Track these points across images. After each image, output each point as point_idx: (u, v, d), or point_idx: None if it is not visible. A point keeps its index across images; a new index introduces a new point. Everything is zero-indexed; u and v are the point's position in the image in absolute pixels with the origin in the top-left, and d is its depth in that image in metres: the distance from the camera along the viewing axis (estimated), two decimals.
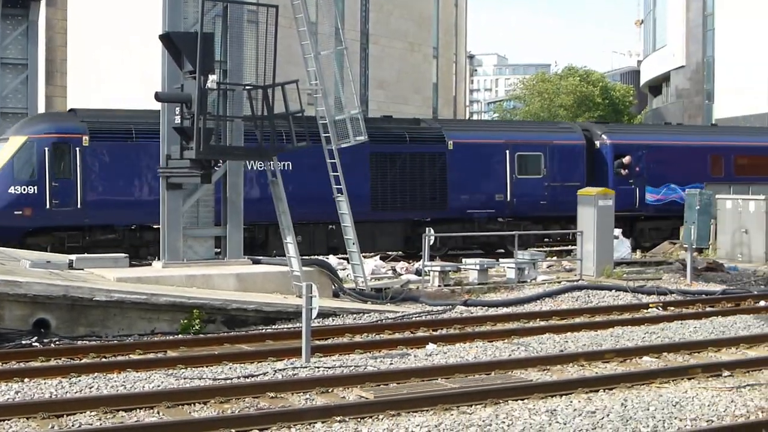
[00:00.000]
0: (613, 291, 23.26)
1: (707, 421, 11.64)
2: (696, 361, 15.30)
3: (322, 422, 11.35)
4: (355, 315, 19.72)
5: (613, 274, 25.64)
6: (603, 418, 11.59)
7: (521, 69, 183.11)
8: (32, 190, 26.91)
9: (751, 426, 11.05)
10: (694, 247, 26.27)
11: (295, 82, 20.62)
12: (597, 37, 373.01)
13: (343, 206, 22.91)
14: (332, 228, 28.16)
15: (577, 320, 19.68)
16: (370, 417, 11.65)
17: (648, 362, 15.37)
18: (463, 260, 25.97)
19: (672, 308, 21.35)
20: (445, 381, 13.64)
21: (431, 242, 25.77)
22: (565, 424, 11.31)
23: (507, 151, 33.26)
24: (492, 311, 20.71)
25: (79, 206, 27.07)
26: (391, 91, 57.26)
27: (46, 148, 26.79)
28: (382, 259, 28.37)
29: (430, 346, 16.37)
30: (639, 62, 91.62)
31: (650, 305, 21.44)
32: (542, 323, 19.23)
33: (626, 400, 12.48)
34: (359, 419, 11.54)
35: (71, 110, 30.36)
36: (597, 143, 35.86)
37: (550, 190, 33.47)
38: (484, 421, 11.35)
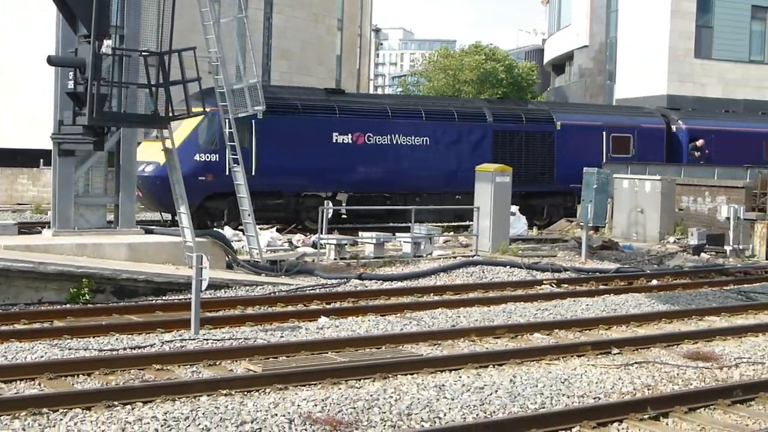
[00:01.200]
0: (508, 267, 23.31)
1: (594, 398, 11.70)
2: (586, 339, 15.39)
3: (208, 395, 11.16)
4: (248, 287, 19.49)
5: (508, 250, 25.72)
6: (491, 394, 11.58)
7: (427, 44, 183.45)
8: (214, 158, 29.30)
9: (637, 403, 11.11)
10: (590, 225, 26.49)
11: (192, 49, 20.23)
12: (505, 15, 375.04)
13: (239, 177, 22.63)
14: (459, 198, 32.52)
15: (471, 296, 19.68)
16: (257, 390, 11.48)
17: (539, 339, 15.44)
18: (360, 233, 25.85)
19: (565, 285, 21.49)
20: (335, 355, 13.52)
21: (329, 215, 25.65)
22: (453, 399, 11.27)
23: (603, 133, 37.56)
24: (386, 285, 20.62)
25: (253, 173, 29.05)
26: (295, 61, 56.80)
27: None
28: (278, 231, 28.12)
29: (323, 320, 16.24)
30: (544, 41, 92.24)
31: (544, 282, 21.53)
32: (436, 298, 19.21)
33: (515, 377, 12.49)
34: (245, 392, 11.37)
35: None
36: (673, 127, 40.15)
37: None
38: (371, 395, 11.25)
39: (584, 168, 26.92)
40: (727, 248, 27.94)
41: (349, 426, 10.17)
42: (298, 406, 10.74)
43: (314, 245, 25.00)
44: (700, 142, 39.72)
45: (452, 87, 73.15)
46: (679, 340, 15.32)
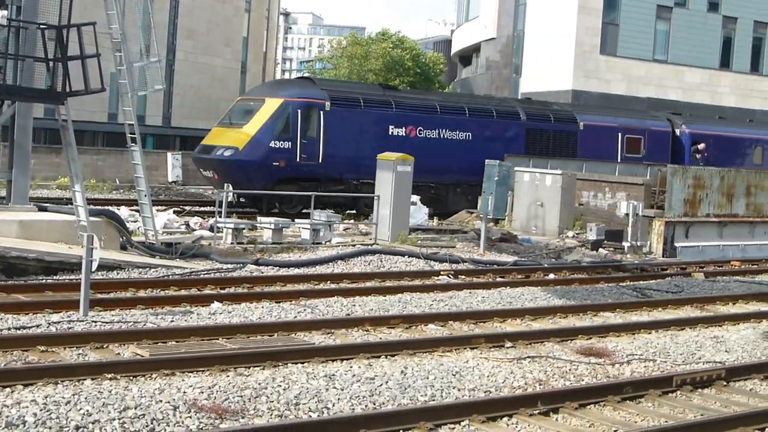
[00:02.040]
0: (406, 257, 23.18)
1: (485, 392, 11.63)
2: (480, 331, 15.34)
3: (92, 379, 10.85)
4: (141, 269, 19.10)
5: (408, 240, 25.65)
6: (381, 385, 11.44)
7: (336, 30, 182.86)
8: (287, 145, 32.29)
9: (528, 398, 11.06)
10: (490, 217, 26.53)
11: (92, 24, 19.77)
12: (416, 5, 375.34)
13: (137, 156, 22.14)
14: None
15: (368, 284, 19.52)
16: (143, 375, 11.21)
17: (433, 330, 15.35)
18: (259, 218, 25.57)
19: (463, 277, 21.45)
20: (225, 341, 13.28)
21: (229, 198, 25.36)
22: (342, 389, 11.11)
23: (619, 134, 41.49)
24: (283, 272, 20.36)
25: (320, 161, 32.68)
26: (200, 41, 56.19)
27: (299, 111, 32.45)
28: (176, 213, 27.71)
29: (215, 305, 15.96)
30: (452, 32, 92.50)
31: (441, 273, 21.48)
32: (332, 286, 19.00)
33: (407, 368, 12.37)
34: (131, 377, 11.08)
35: (306, 78, 38.28)
36: (677, 131, 43.81)
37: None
38: (260, 383, 11.04)
39: (486, 160, 26.96)
40: (625, 244, 28.24)
41: (235, 414, 9.95)
42: (184, 392, 10.48)
43: (211, 228, 24.64)
44: (701, 146, 43.24)
45: (357, 74, 72.86)
46: (573, 335, 15.35)
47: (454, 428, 10.13)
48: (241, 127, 32.60)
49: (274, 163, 31.75)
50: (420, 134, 35.73)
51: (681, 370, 13.16)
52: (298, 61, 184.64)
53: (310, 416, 10.18)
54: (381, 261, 22.61)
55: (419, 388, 11.46)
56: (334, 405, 10.57)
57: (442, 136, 36.17)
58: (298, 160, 32.34)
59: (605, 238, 28.53)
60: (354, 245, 24.52)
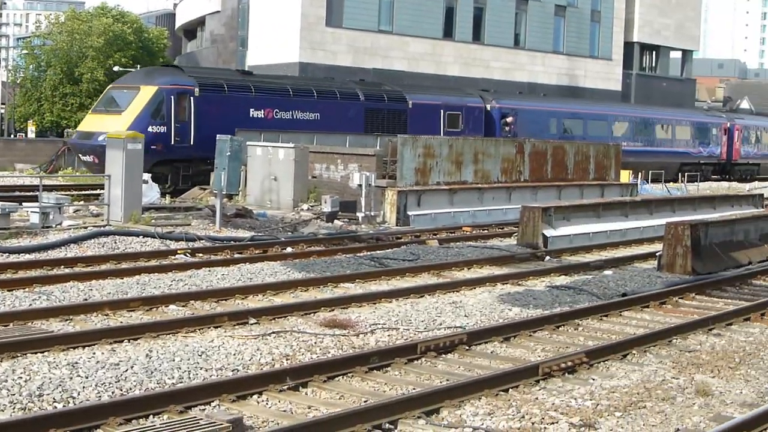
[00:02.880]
0: (141, 237, 22.63)
1: (233, 371, 11.49)
2: (223, 309, 15.14)
3: None
4: None
5: (141, 219, 25.08)
6: (127, 370, 11.11)
7: (54, 5, 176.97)
8: (163, 129, 35.14)
9: (276, 374, 10.99)
10: (224, 193, 26.28)
11: None
12: None
13: None
14: None
15: (103, 267, 18.93)
16: None
17: (175, 311, 15.05)
18: None
19: (200, 255, 21.14)
20: None
21: None
22: (87, 377, 10.71)
23: (441, 111, 45.97)
24: (13, 258, 19.51)
25: (191, 143, 35.75)
26: None
27: (173, 97, 35.61)
28: None
29: None
30: (175, 5, 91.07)
31: (178, 251, 21.09)
32: (67, 271, 18.30)
33: (151, 351, 12.07)
34: None
35: (175, 66, 41.42)
36: (488, 106, 48.84)
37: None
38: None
39: (217, 135, 26.67)
40: (360, 215, 28.56)
41: None
42: None
43: None
44: (509, 119, 48.86)
45: (78, 51, 70.56)
46: (316, 308, 15.36)
47: (204, 409, 9.95)
48: (120, 113, 35.13)
49: (152, 147, 32.86)
50: (276, 115, 39.24)
51: (424, 337, 13.38)
52: (15, 38, 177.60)
53: (56, 407, 9.77)
54: (116, 243, 21.95)
55: (166, 371, 11.20)
56: (79, 394, 10.19)
57: (294, 117, 39.87)
58: (172, 142, 35.43)
59: (340, 209, 28.78)
60: (86, 227, 23.76)
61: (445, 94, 48.25)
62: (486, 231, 28.37)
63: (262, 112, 38.69)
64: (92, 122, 36.22)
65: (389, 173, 30.54)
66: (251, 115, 38.09)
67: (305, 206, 30.45)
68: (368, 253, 22.50)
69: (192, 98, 35.92)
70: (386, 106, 43.65)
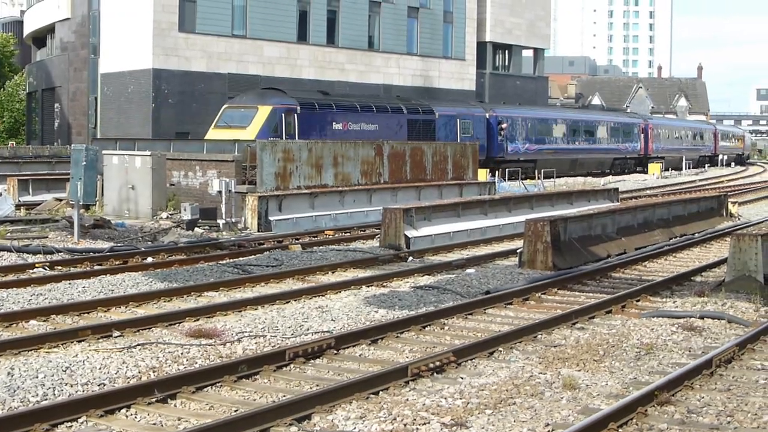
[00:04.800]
0: None
1: (99, 385, 11.27)
2: (86, 323, 14.83)
3: None
4: None
5: None
6: None
7: None
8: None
9: (144, 387, 10.85)
10: (81, 203, 25.76)
11: None
12: None
13: None
14: None
15: None
16: None
17: (35, 326, 14.68)
18: None
19: (59, 268, 20.67)
20: None
21: None
22: None
23: (458, 120, 56.64)
24: None
25: None
26: None
27: (283, 114, 44.18)
28: None
29: None
30: (23, 12, 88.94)
31: (36, 265, 20.59)
32: None
33: (13, 369, 11.75)
34: None
35: (280, 90, 47.72)
36: (487, 115, 59.78)
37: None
38: None
39: (72, 145, 26.16)
40: (221, 222, 28.32)
41: None
42: None
43: None
44: (504, 125, 59.73)
45: None
46: (181, 318, 15.17)
47: (71, 426, 9.75)
48: (244, 128, 42.63)
49: None
50: (350, 127, 48.16)
51: (292, 343, 13.33)
52: None
53: None
54: None
55: (29, 389, 10.92)
56: None
57: (361, 127, 48.70)
58: None
59: (200, 216, 28.46)
60: None
61: (459, 107, 59.62)
62: (348, 234, 28.42)
63: (341, 125, 47.90)
64: (219, 135, 42.69)
65: (249, 179, 30.37)
66: (334, 128, 47.19)
67: (164, 214, 30.07)
68: (231, 260, 22.32)
69: (296, 115, 44.79)
70: (421, 117, 53.69)
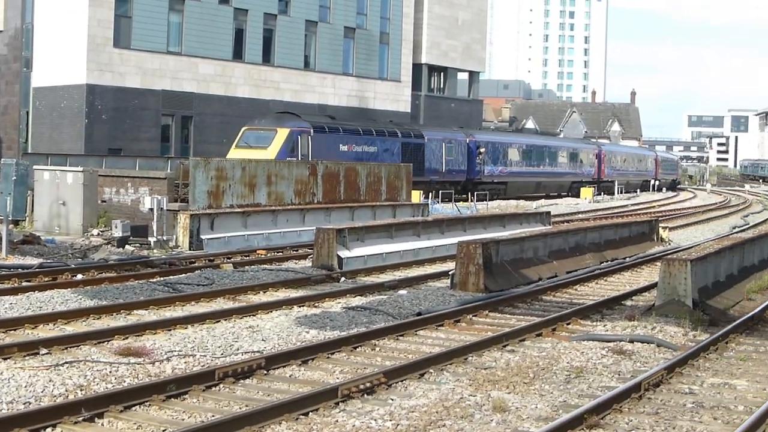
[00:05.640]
0: None
1: (25, 404, 11.10)
2: (12, 340, 14.60)
3: None
4: None
5: None
6: None
7: None
8: (294, 159, 44.16)
9: (71, 405, 10.69)
10: (10, 218, 25.42)
11: None
12: None
13: None
14: None
15: None
16: None
17: None
18: None
19: None
20: None
21: None
22: None
23: (443, 144, 60.67)
24: None
25: None
26: None
27: (299, 136, 48.49)
28: None
29: None
30: None
31: None
32: None
33: None
34: None
35: (294, 114, 52.39)
36: (467, 140, 63.69)
37: (457, 165, 62.01)
38: None
39: (2, 160, 25.83)
40: (152, 239, 28.08)
41: None
42: None
43: None
44: (482, 149, 64.20)
45: None
46: (110, 336, 14.99)
47: None
48: (265, 149, 46.64)
49: None
50: (353, 149, 52.60)
51: (221, 363, 13.21)
52: None
53: None
54: None
55: None
56: None
57: (363, 149, 53.20)
58: None
59: (131, 234, 28.22)
60: None
61: (444, 131, 63.67)
62: (281, 253, 28.31)
63: (347, 146, 52.17)
64: (241, 154, 44.90)
65: (181, 196, 30.17)
66: (340, 149, 51.34)
67: (95, 231, 29.77)
68: (162, 278, 22.13)
69: (309, 137, 49.09)
70: (413, 140, 58.02)
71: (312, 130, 49.63)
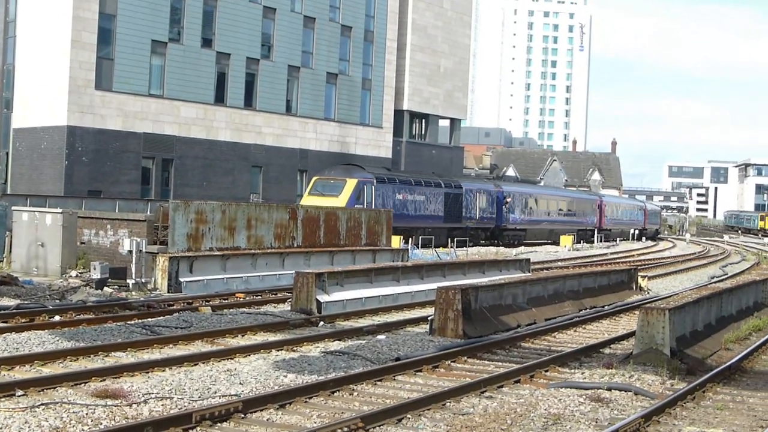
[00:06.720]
0: None
1: None
2: None
3: None
4: None
5: None
6: None
7: None
8: (361, 206, 50.67)
9: None
10: None
11: None
12: None
13: None
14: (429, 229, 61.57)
15: None
16: None
17: None
18: None
19: None
20: None
21: None
22: None
23: (477, 194, 67.97)
24: None
25: None
26: None
27: (365, 186, 55.05)
28: None
29: None
30: None
31: None
32: None
33: None
34: None
35: (359, 166, 59.17)
36: (496, 190, 71.13)
37: (489, 213, 69.46)
38: None
39: None
40: (130, 282, 28.00)
41: None
42: None
43: None
44: (509, 199, 71.57)
45: None
46: (87, 377, 14.91)
47: None
48: (336, 197, 52.89)
49: None
50: (407, 197, 59.56)
51: (199, 406, 13.16)
52: None
53: None
54: None
55: None
56: None
57: (414, 198, 60.23)
58: None
59: (110, 276, 28.13)
60: None
61: (477, 182, 72.38)
62: (260, 297, 28.25)
63: (401, 195, 58.83)
64: (315, 202, 50.17)
65: (161, 239, 30.11)
66: (396, 197, 58.10)
67: (74, 273, 29.67)
68: (140, 320, 22.04)
69: (373, 187, 55.68)
70: (453, 191, 64.74)
71: (375, 181, 56.30)
